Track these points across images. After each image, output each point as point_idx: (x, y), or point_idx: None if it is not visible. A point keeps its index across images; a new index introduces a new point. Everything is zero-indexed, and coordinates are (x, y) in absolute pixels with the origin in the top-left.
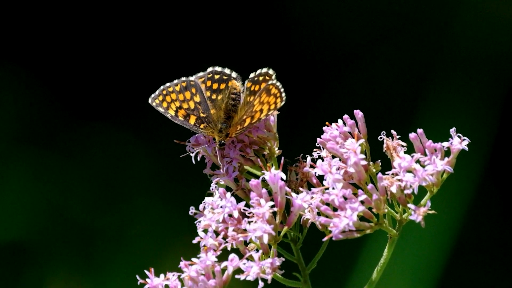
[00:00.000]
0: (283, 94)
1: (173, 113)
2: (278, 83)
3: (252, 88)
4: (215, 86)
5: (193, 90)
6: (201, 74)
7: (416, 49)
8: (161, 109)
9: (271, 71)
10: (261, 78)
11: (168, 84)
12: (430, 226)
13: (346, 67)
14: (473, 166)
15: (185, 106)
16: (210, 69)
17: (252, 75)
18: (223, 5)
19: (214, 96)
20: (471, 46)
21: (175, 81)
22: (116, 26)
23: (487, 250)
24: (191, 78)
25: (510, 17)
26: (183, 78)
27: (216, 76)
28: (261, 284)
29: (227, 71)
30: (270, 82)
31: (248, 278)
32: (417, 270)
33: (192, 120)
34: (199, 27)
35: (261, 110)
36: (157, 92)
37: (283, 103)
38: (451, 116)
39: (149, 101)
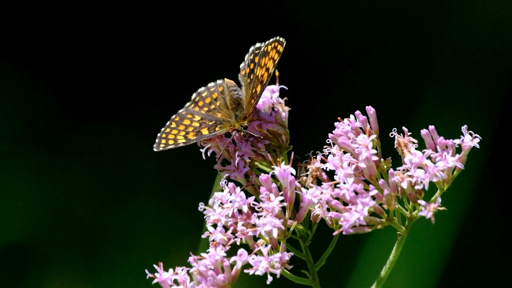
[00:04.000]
0: (281, 38)
1: (184, 140)
2: (269, 40)
3: (248, 71)
4: (208, 100)
5: (189, 116)
6: (188, 104)
7: (417, 49)
8: (171, 147)
9: (257, 44)
10: (252, 57)
11: (162, 129)
12: (431, 222)
13: (347, 68)
14: (474, 163)
15: (190, 129)
16: (194, 95)
17: (242, 64)
18: (225, 7)
19: (213, 106)
20: (471, 44)
21: (167, 123)
22: (119, 27)
23: (489, 248)
24: (181, 111)
25: (509, 16)
26: (173, 116)
27: (204, 94)
28: (270, 278)
29: (210, 84)
30: (262, 48)
31: (257, 273)
32: (418, 267)
33: (205, 131)
34: (200, 27)
35: (267, 69)
36: (157, 140)
37: (283, 45)
38: (453, 114)
39: (155, 150)
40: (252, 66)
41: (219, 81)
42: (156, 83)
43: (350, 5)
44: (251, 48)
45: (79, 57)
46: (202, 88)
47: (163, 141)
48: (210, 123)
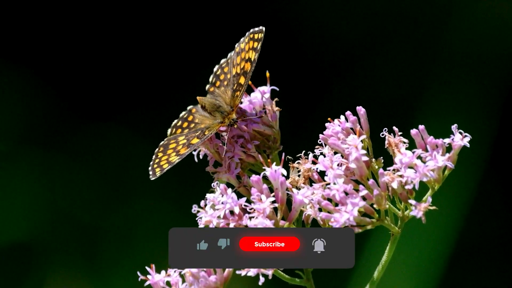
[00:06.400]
0: (256, 28)
1: (177, 157)
2: (241, 39)
3: (219, 84)
4: (185, 124)
5: (173, 141)
6: (169, 131)
7: (417, 50)
8: (167, 168)
9: (222, 60)
10: (219, 72)
11: (151, 162)
12: (432, 223)
13: (348, 67)
14: (474, 163)
15: (179, 147)
16: (169, 130)
17: (208, 86)
18: (225, 8)
19: (193, 125)
20: (471, 44)
21: (154, 156)
22: (121, 27)
23: (490, 247)
24: (163, 143)
25: (509, 17)
26: (156, 150)
27: (179, 123)
28: (262, 279)
29: (182, 113)
30: (235, 49)
31: (249, 274)
32: (418, 268)
33: (195, 140)
34: (202, 28)
35: (249, 59)
36: (150, 172)
37: (263, 31)
38: (453, 114)
39: (152, 179)
40: (222, 76)
41: (189, 107)
42: (157, 84)
43: (348, 7)
44: (216, 67)
45: (80, 57)
46: (176, 120)
47: (157, 168)
48: (197, 133)
